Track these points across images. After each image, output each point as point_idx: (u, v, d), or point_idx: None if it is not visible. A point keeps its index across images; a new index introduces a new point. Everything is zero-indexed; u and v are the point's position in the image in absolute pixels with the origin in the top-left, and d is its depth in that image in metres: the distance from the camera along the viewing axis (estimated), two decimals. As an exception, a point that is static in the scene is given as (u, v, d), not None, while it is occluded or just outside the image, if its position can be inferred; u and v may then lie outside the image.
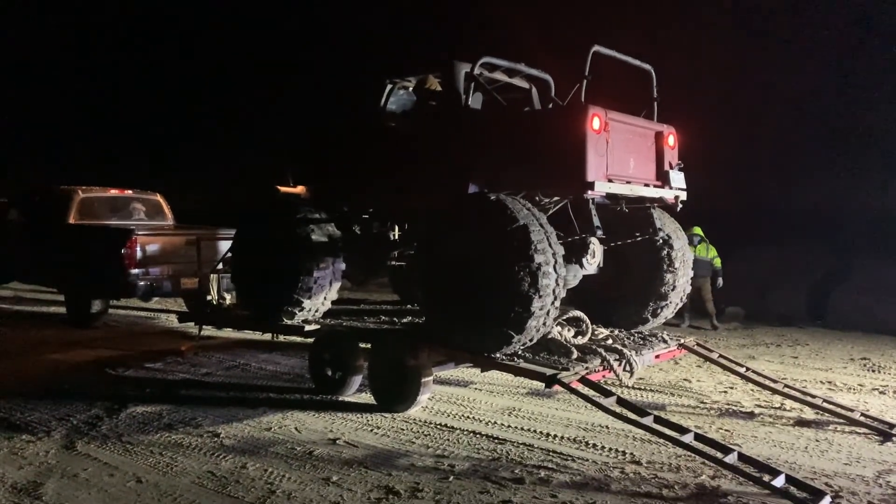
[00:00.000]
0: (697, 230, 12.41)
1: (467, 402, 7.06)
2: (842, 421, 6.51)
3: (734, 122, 15.85)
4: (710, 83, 16.22)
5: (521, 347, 5.92)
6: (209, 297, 8.93)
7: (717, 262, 12.43)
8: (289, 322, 7.35)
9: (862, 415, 6.58)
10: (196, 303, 10.32)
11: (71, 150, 26.72)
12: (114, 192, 12.16)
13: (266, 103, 22.65)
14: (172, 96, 26.36)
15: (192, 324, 8.79)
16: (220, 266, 9.08)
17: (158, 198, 12.62)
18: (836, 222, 15.43)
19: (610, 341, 6.68)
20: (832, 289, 14.03)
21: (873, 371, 9.07)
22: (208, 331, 9.66)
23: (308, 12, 25.13)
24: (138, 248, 10.38)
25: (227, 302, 8.80)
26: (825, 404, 6.72)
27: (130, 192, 12.37)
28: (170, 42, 27.24)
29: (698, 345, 7.36)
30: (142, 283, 10.41)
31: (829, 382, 8.31)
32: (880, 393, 7.86)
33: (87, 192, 11.71)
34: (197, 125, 25.27)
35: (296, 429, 6.14)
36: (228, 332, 10.20)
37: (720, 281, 12.42)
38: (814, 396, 6.91)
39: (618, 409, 5.49)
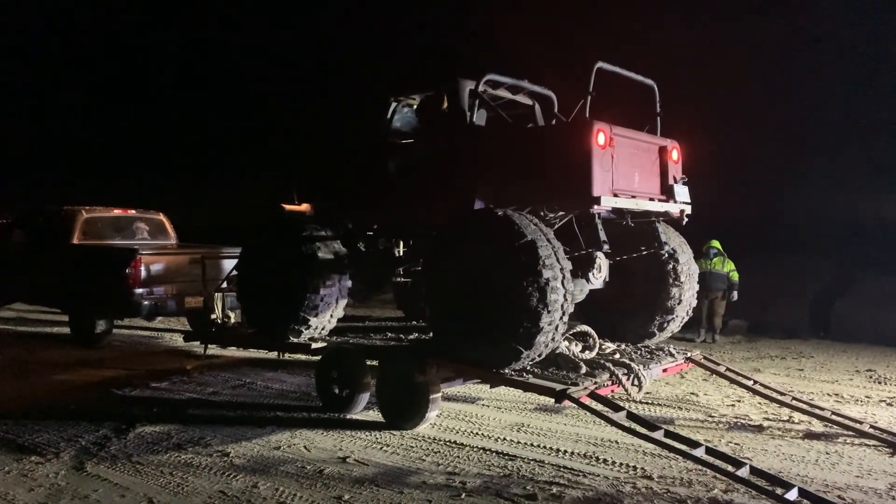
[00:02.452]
0: (715, 243, 12.43)
1: (476, 419, 7.05)
2: (851, 433, 6.51)
3: (736, 134, 15.92)
4: (711, 95, 16.29)
5: (530, 363, 5.93)
6: (213, 316, 8.93)
7: (734, 276, 12.36)
8: (295, 340, 7.36)
9: (871, 427, 6.57)
10: (200, 322, 10.32)
11: (75, 169, 26.80)
12: (117, 211, 12.19)
13: (272, 121, 22.75)
14: (178, 115, 26.47)
15: (196, 343, 8.78)
16: (225, 284, 9.09)
17: (162, 217, 12.65)
18: (838, 234, 15.46)
19: (618, 355, 6.68)
20: (835, 301, 14.05)
21: (879, 383, 9.06)
22: (213, 349, 9.65)
23: (315, 31, 25.29)
24: (142, 268, 10.39)
25: (232, 320, 8.81)
26: (834, 417, 6.72)
27: (134, 211, 12.40)
28: (177, 59, 27.42)
29: (705, 358, 7.37)
30: (146, 302, 10.42)
31: (836, 395, 8.31)
32: (888, 405, 7.85)
33: (90, 212, 11.74)
34: (202, 143, 25.36)
35: (305, 447, 6.13)
36: (233, 351, 10.22)
37: (735, 294, 12.39)
38: (822, 409, 6.91)
39: (628, 424, 5.48)
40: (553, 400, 5.60)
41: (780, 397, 7.04)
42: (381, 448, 6.11)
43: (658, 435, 5.31)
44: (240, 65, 25.96)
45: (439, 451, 6.01)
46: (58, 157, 28.08)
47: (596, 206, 5.84)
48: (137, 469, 5.59)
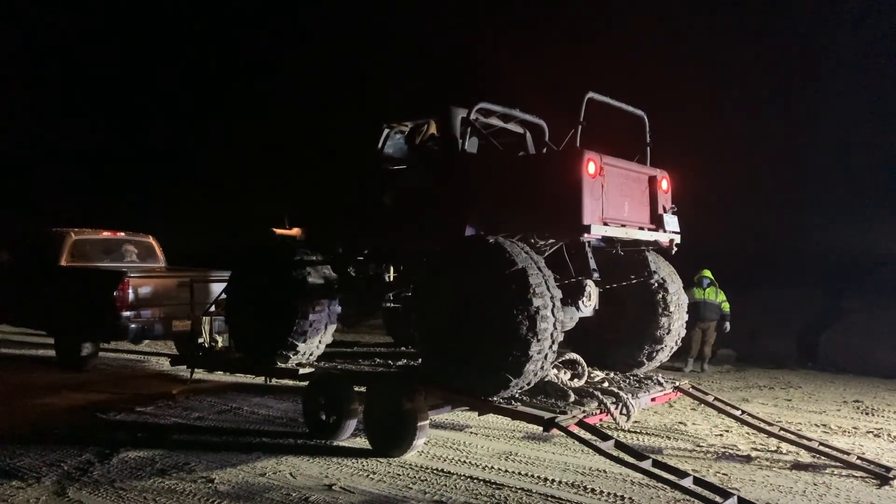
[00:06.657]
0: (707, 273, 12.48)
1: (464, 447, 7.00)
2: (838, 464, 6.50)
3: (724, 163, 16.06)
4: (699, 125, 16.48)
5: (519, 391, 5.91)
6: (201, 340, 8.87)
7: (726, 307, 12.44)
8: (282, 365, 7.31)
9: (858, 458, 6.57)
10: (187, 345, 10.23)
11: (65, 191, 26.73)
12: (106, 234, 12.14)
13: (263, 146, 22.82)
14: (169, 138, 26.51)
15: (183, 367, 8.70)
16: (213, 308, 9.04)
17: (151, 240, 12.60)
18: (826, 264, 15.56)
19: (606, 384, 6.68)
20: (822, 331, 14.08)
21: (867, 414, 9.07)
22: (199, 374, 9.57)
23: (308, 54, 25.48)
24: (130, 291, 10.32)
25: (219, 344, 8.75)
26: (821, 447, 6.72)
27: (123, 234, 12.35)
28: (168, 81, 27.52)
29: (693, 387, 7.36)
30: (133, 325, 10.34)
31: (824, 425, 8.31)
32: (875, 436, 7.86)
33: (79, 234, 11.69)
34: (193, 166, 25.38)
35: (290, 474, 6.06)
36: (220, 376, 10.13)
37: (727, 325, 12.44)
38: (809, 440, 6.91)
39: (616, 453, 5.46)
40: (541, 428, 5.58)
41: (767, 427, 7.03)
42: (367, 475, 6.05)
43: (646, 464, 5.30)
44: (232, 88, 26.07)
45: (426, 479, 5.96)
46: (48, 180, 28.01)
47: (586, 235, 5.87)
48: (120, 495, 5.51)
